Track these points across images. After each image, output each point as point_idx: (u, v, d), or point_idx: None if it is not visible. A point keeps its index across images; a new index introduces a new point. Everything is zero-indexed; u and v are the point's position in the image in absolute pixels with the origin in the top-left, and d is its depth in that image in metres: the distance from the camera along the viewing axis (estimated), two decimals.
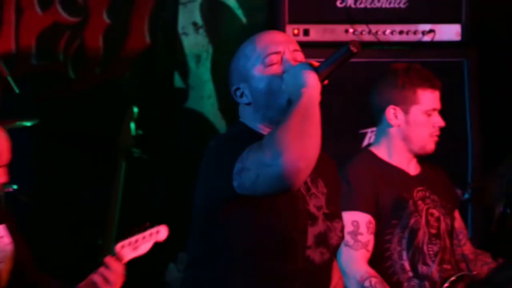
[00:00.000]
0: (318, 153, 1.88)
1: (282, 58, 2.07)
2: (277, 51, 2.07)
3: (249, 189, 1.93)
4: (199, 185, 2.13)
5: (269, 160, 1.84)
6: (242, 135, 2.17)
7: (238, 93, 2.14)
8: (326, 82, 1.98)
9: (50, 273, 2.77)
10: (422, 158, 2.98)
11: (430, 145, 2.91)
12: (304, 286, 2.09)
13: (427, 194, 2.96)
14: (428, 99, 2.89)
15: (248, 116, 2.16)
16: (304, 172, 1.86)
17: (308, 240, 2.09)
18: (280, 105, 2.07)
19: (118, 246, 2.45)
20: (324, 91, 2.05)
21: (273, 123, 2.06)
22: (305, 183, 2.17)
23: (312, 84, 1.95)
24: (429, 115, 2.90)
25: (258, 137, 2.07)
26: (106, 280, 2.34)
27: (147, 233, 2.48)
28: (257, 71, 2.09)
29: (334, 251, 2.18)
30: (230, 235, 2.07)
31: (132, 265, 2.99)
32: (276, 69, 2.06)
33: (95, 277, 2.26)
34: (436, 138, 2.91)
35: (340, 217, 2.23)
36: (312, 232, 2.10)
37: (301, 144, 1.87)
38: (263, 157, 1.88)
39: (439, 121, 2.92)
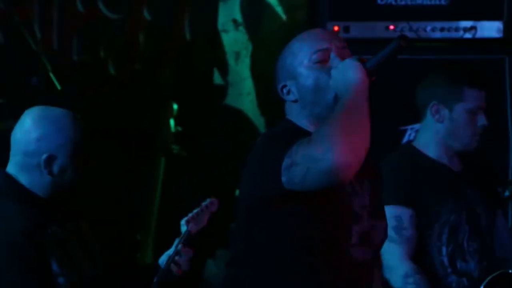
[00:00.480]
0: (368, 148, 1.84)
1: (329, 55, 2.01)
2: (325, 48, 2.02)
3: (298, 184, 1.89)
4: (245, 181, 2.08)
5: (319, 155, 1.81)
6: (289, 132, 2.08)
7: (284, 90, 2.09)
8: (373, 78, 1.91)
9: None
10: (464, 155, 2.91)
11: (472, 144, 2.87)
12: (345, 283, 2.02)
13: (469, 191, 2.89)
14: (474, 97, 2.83)
15: (294, 114, 2.10)
16: (354, 167, 1.82)
17: (353, 238, 2.04)
18: (327, 102, 2.03)
19: (185, 221, 2.53)
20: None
21: (320, 120, 2.03)
22: (350, 181, 2.08)
23: (361, 79, 1.91)
24: (473, 113, 2.84)
25: (305, 134, 2.02)
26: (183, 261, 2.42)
27: (203, 206, 2.58)
28: (305, 68, 2.05)
29: (377, 249, 2.15)
30: (274, 232, 2.03)
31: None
32: (323, 65, 2.00)
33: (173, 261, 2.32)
34: (478, 137, 2.85)
35: (384, 216, 2.17)
36: (356, 230, 2.05)
37: (351, 139, 1.83)
38: (313, 151, 1.84)
39: (483, 121, 2.86)
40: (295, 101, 2.02)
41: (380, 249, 2.22)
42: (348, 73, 1.91)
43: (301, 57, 2.04)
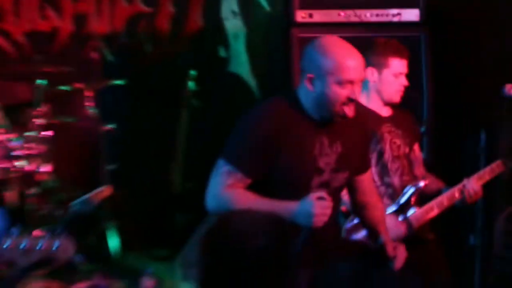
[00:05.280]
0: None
1: (352, 85, 2.35)
2: (351, 80, 2.31)
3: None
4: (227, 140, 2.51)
5: (209, 203, 2.37)
6: (282, 113, 2.45)
7: (309, 78, 2.34)
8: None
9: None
10: (394, 105, 3.24)
11: (396, 98, 3.18)
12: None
13: (393, 129, 3.21)
14: (396, 65, 3.13)
15: (306, 95, 2.42)
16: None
17: (313, 185, 2.42)
18: (330, 111, 2.38)
19: None
20: None
21: (318, 114, 2.40)
22: (321, 145, 2.46)
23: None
24: (396, 76, 3.14)
25: (301, 112, 2.43)
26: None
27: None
28: (333, 82, 2.32)
29: (334, 191, 2.48)
30: (261, 185, 2.41)
31: None
32: (344, 87, 2.35)
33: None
34: (401, 93, 3.17)
35: (346, 170, 2.52)
36: (317, 180, 2.43)
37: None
38: (214, 192, 2.41)
39: (404, 82, 3.16)
40: (312, 91, 2.34)
41: (339, 192, 2.58)
42: (310, 217, 2.29)
43: (336, 73, 2.30)
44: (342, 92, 2.32)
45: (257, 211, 2.01)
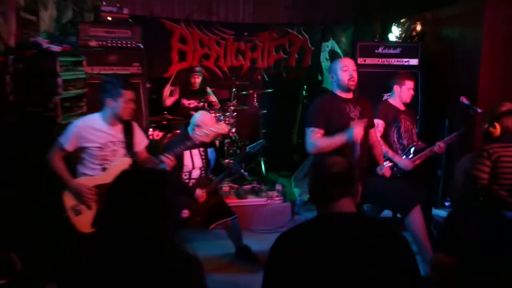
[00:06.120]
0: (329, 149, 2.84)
1: (348, 70, 3.04)
2: (346, 65, 3.09)
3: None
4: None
5: (310, 148, 2.90)
6: (327, 98, 3.09)
7: (330, 76, 3.14)
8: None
9: None
10: (406, 105, 3.94)
11: (408, 100, 3.82)
12: (351, 149, 2.97)
13: (405, 116, 3.83)
14: (408, 84, 3.87)
15: (332, 85, 3.18)
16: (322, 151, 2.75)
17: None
18: (344, 85, 3.03)
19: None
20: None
21: (340, 91, 3.09)
22: (349, 107, 3.05)
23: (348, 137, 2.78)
24: (408, 90, 3.79)
25: (335, 95, 3.12)
26: None
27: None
28: (338, 71, 3.10)
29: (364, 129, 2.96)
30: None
31: None
32: (344, 71, 3.04)
33: None
34: (410, 98, 3.81)
35: (365, 118, 3.05)
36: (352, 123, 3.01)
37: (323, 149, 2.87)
38: (308, 142, 2.88)
39: (412, 93, 3.83)
40: (334, 80, 3.12)
41: (365, 134, 3.06)
42: (352, 134, 2.87)
43: (338, 67, 3.09)
44: (345, 74, 3.11)
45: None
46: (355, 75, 3.10)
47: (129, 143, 3.22)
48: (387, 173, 3.31)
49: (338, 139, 2.94)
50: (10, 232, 2.99)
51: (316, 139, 3.00)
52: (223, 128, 3.42)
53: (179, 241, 1.54)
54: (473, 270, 1.97)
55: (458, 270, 2.01)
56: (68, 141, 3.09)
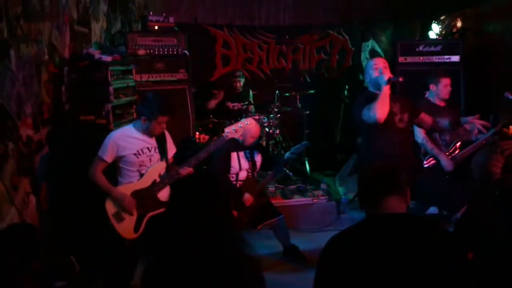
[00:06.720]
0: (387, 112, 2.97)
1: (379, 68, 3.19)
2: (376, 63, 3.25)
3: (366, 119, 2.98)
4: (354, 111, 3.19)
5: (371, 115, 2.96)
6: (367, 94, 3.23)
7: (365, 77, 3.31)
8: (401, 79, 3.07)
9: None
10: (446, 100, 4.09)
11: (446, 96, 4.02)
12: (398, 144, 3.16)
13: (446, 112, 3.92)
14: (445, 81, 4.05)
15: (369, 84, 3.33)
16: (382, 119, 2.91)
17: (395, 119, 3.19)
18: (375, 85, 3.19)
19: None
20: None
21: (375, 88, 3.20)
22: (393, 106, 3.17)
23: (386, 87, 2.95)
24: (445, 87, 3.99)
25: (372, 94, 3.19)
26: None
27: None
28: (370, 70, 3.28)
29: (406, 124, 3.19)
30: (366, 128, 3.15)
31: None
32: (375, 70, 3.21)
33: None
34: (448, 95, 4.02)
35: (406, 113, 3.18)
36: (397, 117, 3.21)
37: (382, 110, 3.00)
38: (370, 112, 2.99)
39: (449, 89, 4.00)
40: (369, 80, 3.26)
41: (410, 125, 3.29)
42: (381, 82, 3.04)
43: (371, 66, 3.26)
44: (375, 72, 3.29)
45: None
46: (387, 72, 3.18)
47: (162, 149, 3.29)
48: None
49: (381, 95, 3.07)
50: (69, 237, 3.08)
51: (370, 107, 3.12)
52: (251, 123, 3.49)
53: (241, 242, 1.60)
54: (488, 253, 1.99)
55: None
56: (106, 152, 3.18)
